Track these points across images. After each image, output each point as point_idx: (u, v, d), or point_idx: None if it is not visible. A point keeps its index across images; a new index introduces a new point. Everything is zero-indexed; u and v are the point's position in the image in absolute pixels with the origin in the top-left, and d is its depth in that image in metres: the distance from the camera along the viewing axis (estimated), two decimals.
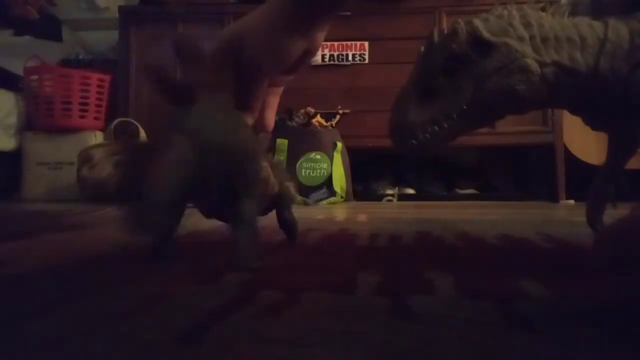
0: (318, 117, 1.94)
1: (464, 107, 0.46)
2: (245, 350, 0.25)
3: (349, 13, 2.04)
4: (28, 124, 2.01)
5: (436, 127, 0.46)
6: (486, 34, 0.45)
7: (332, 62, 2.04)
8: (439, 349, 0.26)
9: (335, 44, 2.04)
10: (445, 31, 0.47)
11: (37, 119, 1.98)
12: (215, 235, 0.75)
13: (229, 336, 0.28)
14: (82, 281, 0.43)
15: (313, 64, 2.04)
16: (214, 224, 0.59)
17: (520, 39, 0.46)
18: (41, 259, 0.54)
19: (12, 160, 2.00)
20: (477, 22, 0.46)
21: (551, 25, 0.47)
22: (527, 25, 0.46)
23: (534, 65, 0.45)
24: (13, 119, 1.99)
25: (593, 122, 0.54)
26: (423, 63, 0.48)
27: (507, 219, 1.12)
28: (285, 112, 1.88)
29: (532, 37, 0.46)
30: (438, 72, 0.46)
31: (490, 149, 2.22)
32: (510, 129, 1.95)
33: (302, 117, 1.90)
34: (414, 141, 0.46)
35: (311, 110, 1.93)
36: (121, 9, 2.15)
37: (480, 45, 0.45)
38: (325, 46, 2.04)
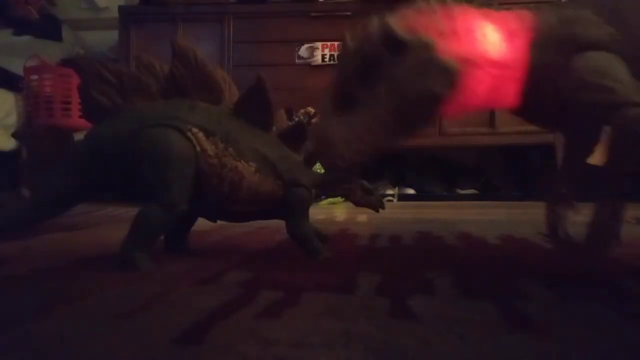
0: (318, 117, 1.94)
1: (385, 115, 0.41)
2: (245, 350, 0.25)
3: (349, 13, 2.04)
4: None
5: (359, 144, 0.42)
6: (400, 32, 0.40)
7: (332, 62, 2.04)
8: (439, 349, 0.26)
9: (335, 44, 2.04)
10: (360, 32, 0.43)
11: (37, 119, 1.98)
12: (215, 235, 0.75)
13: (229, 336, 0.28)
14: (82, 281, 0.43)
15: (313, 64, 2.04)
16: (214, 224, 0.59)
17: (440, 34, 0.40)
18: (41, 259, 0.54)
19: (12, 160, 2.00)
20: (391, 20, 0.41)
21: (476, 18, 0.42)
22: (448, 18, 0.41)
23: (452, 63, 0.40)
24: (13, 119, 1.99)
25: (537, 122, 0.49)
26: (338, 70, 0.44)
27: (507, 219, 1.12)
28: (286, 112, 1.88)
29: (453, 32, 0.41)
30: (353, 78, 0.42)
31: (490, 149, 2.22)
32: (510, 129, 1.95)
33: (302, 117, 1.90)
34: (339, 160, 0.43)
35: (311, 110, 1.93)
36: (121, 9, 2.15)
37: (394, 45, 0.40)
38: (325, 46, 2.04)
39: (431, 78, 0.40)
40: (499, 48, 0.42)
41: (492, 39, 0.42)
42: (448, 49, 0.40)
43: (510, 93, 0.43)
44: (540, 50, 0.42)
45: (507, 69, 0.42)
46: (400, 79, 0.41)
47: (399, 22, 0.41)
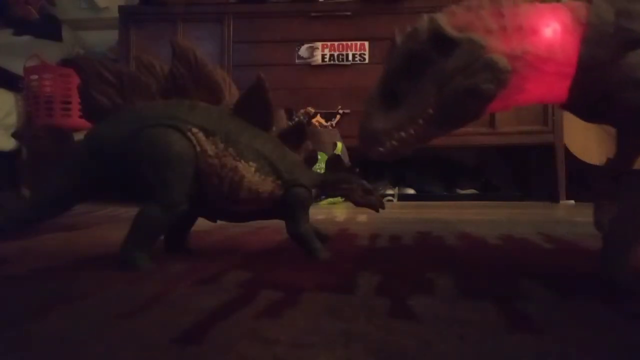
0: (318, 117, 1.94)
1: (429, 111, 0.42)
2: (245, 350, 0.25)
3: (349, 13, 2.04)
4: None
5: (402, 134, 0.43)
6: (449, 30, 0.41)
7: (332, 62, 2.04)
8: (439, 349, 0.26)
9: (335, 44, 2.04)
10: (409, 29, 0.43)
11: (37, 119, 1.98)
12: (215, 235, 0.75)
13: (229, 336, 0.28)
14: (82, 281, 0.43)
15: (313, 64, 2.04)
16: (214, 224, 0.59)
17: (489, 31, 0.40)
18: (41, 259, 0.54)
19: (12, 160, 2.00)
20: (440, 17, 0.42)
21: (526, 13, 0.41)
22: (497, 15, 0.41)
23: (502, 61, 0.40)
24: (13, 119, 1.99)
25: (587, 118, 0.49)
26: (386, 66, 0.45)
27: (507, 219, 1.12)
28: (286, 112, 1.88)
29: (502, 28, 0.41)
30: (400, 75, 0.43)
31: (490, 149, 2.23)
32: (510, 129, 1.95)
33: (302, 117, 1.90)
34: (380, 148, 0.43)
35: (311, 110, 1.93)
36: (121, 9, 2.15)
37: (443, 43, 0.41)
38: (325, 46, 2.05)
39: (479, 76, 0.40)
40: (550, 44, 0.41)
41: (542, 35, 0.41)
42: (497, 46, 0.40)
43: (559, 89, 0.43)
44: (592, 45, 0.41)
45: (557, 65, 0.41)
46: (447, 76, 0.41)
47: (447, 19, 0.41)
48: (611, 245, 0.41)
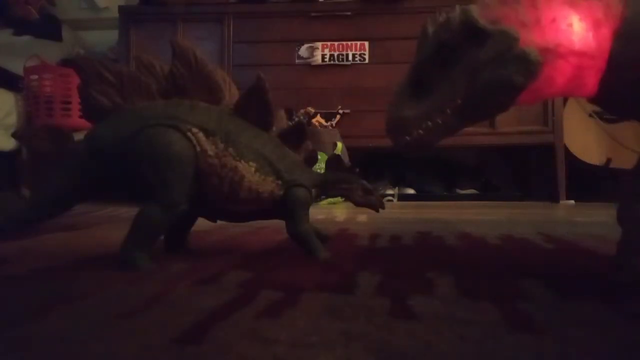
0: (318, 117, 1.94)
1: (458, 101, 0.42)
2: (245, 350, 0.25)
3: (349, 13, 2.04)
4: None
5: (430, 123, 0.43)
6: (481, 22, 0.41)
7: (332, 62, 2.04)
8: (439, 349, 0.26)
9: (335, 44, 2.05)
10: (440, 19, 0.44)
11: (37, 119, 1.98)
12: (215, 235, 0.75)
13: (229, 336, 0.28)
14: (82, 281, 0.43)
15: (313, 64, 2.04)
16: (214, 224, 0.59)
17: (523, 24, 0.41)
18: (41, 259, 0.54)
19: (12, 160, 2.00)
20: (473, 9, 0.42)
21: (561, 6, 0.41)
22: (531, 7, 0.41)
23: (533, 54, 0.40)
24: (13, 119, 1.99)
25: (616, 113, 0.49)
26: (417, 55, 0.45)
27: (507, 219, 1.12)
28: (286, 112, 1.88)
29: (536, 21, 0.41)
30: (430, 64, 0.43)
31: (490, 149, 2.23)
32: (510, 129, 1.95)
33: (302, 117, 1.90)
34: (407, 137, 0.44)
35: (311, 110, 1.93)
36: (121, 9, 2.15)
37: (475, 34, 0.41)
38: (325, 46, 2.05)
39: (510, 68, 0.40)
40: (583, 38, 0.41)
41: (576, 29, 0.41)
42: (530, 38, 0.40)
43: (589, 83, 0.43)
44: (625, 40, 0.41)
45: (589, 58, 0.41)
46: (478, 67, 0.41)
47: (480, 11, 0.42)
48: (628, 245, 0.41)
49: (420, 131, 0.43)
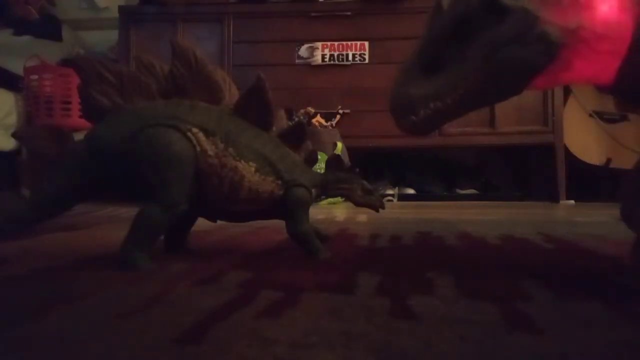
0: (318, 117, 1.94)
1: (472, 80, 0.40)
2: (245, 350, 0.25)
3: (349, 13, 2.04)
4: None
5: (439, 103, 0.40)
6: None
7: (332, 62, 2.04)
8: (439, 349, 0.26)
9: (335, 44, 2.05)
10: None
11: (37, 119, 1.98)
12: (215, 235, 0.75)
13: (229, 336, 0.28)
14: (82, 281, 0.43)
15: (313, 64, 2.04)
16: (214, 224, 0.59)
17: (544, 2, 0.39)
18: (41, 259, 0.54)
19: (12, 160, 2.00)
20: None
21: None
22: None
23: (555, 33, 0.38)
24: (13, 119, 1.99)
25: (633, 102, 0.46)
26: (429, 29, 0.42)
27: (507, 219, 1.12)
28: (286, 112, 1.88)
29: (558, 1, 0.39)
30: (445, 39, 0.41)
31: (490, 149, 2.23)
32: (510, 129, 1.95)
33: (302, 117, 1.90)
34: (413, 117, 0.41)
35: (311, 110, 1.93)
36: (121, 9, 2.15)
37: (495, 10, 0.39)
38: (325, 46, 2.05)
39: (529, 46, 0.38)
40: (605, 21, 0.39)
41: (598, 11, 0.39)
42: (551, 18, 0.38)
43: (607, 69, 0.41)
44: None
45: (609, 43, 0.40)
46: (495, 44, 0.39)
47: None
48: None
49: (429, 111, 0.41)
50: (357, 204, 0.59)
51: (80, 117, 0.56)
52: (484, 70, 0.40)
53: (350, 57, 2.04)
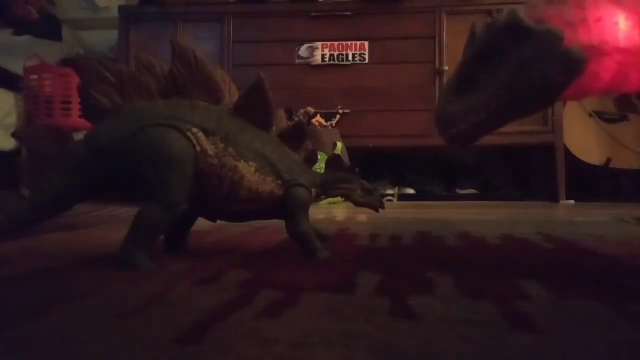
0: (318, 117, 1.94)
1: (502, 97, 0.44)
2: (245, 350, 0.25)
3: (349, 13, 2.04)
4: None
5: (475, 117, 0.45)
6: (527, 22, 0.43)
7: (332, 62, 2.04)
8: (439, 349, 0.26)
9: (335, 44, 2.04)
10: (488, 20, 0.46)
11: (37, 119, 1.98)
12: (215, 235, 0.75)
13: (229, 336, 0.28)
14: (82, 281, 0.43)
15: (313, 64, 2.04)
16: (214, 224, 0.59)
17: (568, 23, 0.41)
18: (41, 259, 0.54)
19: (12, 160, 2.00)
20: (519, 9, 0.44)
21: (608, 6, 0.42)
22: (579, 7, 0.42)
23: (577, 52, 0.41)
24: (13, 119, 1.99)
25: None
26: (464, 54, 0.47)
27: (507, 219, 1.12)
28: (286, 112, 1.88)
29: (582, 21, 0.41)
30: (477, 63, 0.46)
31: (490, 149, 2.22)
32: (510, 129, 1.93)
33: (302, 117, 1.90)
34: (454, 130, 0.46)
35: (311, 110, 1.93)
36: (121, 9, 2.15)
37: (520, 34, 0.43)
38: (325, 46, 2.05)
39: (552, 66, 0.41)
40: (628, 36, 0.42)
41: (621, 27, 0.42)
42: (575, 37, 0.41)
43: (633, 79, 0.44)
44: None
45: (633, 56, 0.42)
46: (522, 65, 0.43)
47: (527, 11, 0.43)
48: None
49: (467, 124, 0.45)
50: (357, 204, 0.59)
51: (80, 117, 0.56)
52: (512, 87, 0.43)
53: (350, 57, 2.04)
